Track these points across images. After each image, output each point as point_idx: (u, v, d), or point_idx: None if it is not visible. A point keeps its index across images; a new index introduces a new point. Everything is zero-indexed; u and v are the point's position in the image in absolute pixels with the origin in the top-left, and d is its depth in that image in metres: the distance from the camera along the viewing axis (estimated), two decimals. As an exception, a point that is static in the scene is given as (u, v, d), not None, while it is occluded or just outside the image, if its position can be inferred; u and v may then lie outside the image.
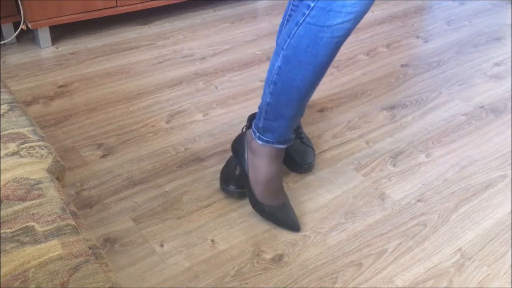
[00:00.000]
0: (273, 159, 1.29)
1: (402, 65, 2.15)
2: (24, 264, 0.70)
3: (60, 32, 2.27)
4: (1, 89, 1.05)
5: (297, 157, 1.52)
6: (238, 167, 1.39)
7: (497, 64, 2.18)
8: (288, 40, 1.10)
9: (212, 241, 1.31)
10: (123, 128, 1.69)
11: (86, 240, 0.76)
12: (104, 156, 1.57)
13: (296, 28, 1.08)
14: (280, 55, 1.13)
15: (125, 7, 2.22)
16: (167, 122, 1.73)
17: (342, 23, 1.03)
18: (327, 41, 1.06)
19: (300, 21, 1.07)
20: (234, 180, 1.40)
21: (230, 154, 1.56)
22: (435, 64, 2.17)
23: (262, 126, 1.26)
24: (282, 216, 1.33)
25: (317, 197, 1.45)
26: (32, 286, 0.66)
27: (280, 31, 1.50)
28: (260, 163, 1.30)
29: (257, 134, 1.27)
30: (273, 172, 1.30)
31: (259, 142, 1.28)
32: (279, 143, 1.27)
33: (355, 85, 1.99)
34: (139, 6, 2.26)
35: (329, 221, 1.38)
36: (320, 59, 1.09)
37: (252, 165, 1.31)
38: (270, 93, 1.19)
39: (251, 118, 1.48)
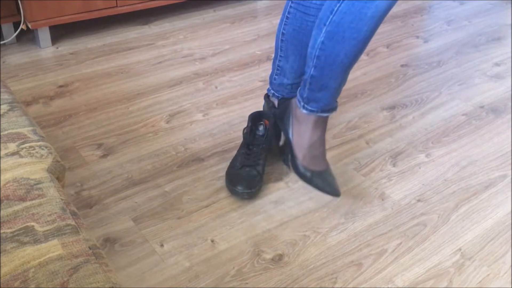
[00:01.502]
0: (317, 126, 1.32)
1: (402, 65, 2.15)
2: (24, 264, 0.70)
3: (60, 32, 2.27)
4: (1, 89, 1.05)
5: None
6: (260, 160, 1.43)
7: (497, 64, 2.18)
8: (331, 16, 1.12)
9: (212, 241, 1.31)
10: (123, 128, 1.69)
11: (86, 240, 0.76)
12: (104, 156, 1.57)
13: (338, 5, 1.10)
14: (323, 31, 1.14)
15: (125, 7, 2.22)
16: (167, 122, 1.73)
17: None
18: (371, 16, 1.08)
19: None
20: (242, 181, 1.41)
21: (230, 154, 1.56)
22: (435, 64, 2.17)
23: (306, 96, 1.27)
24: (322, 181, 1.34)
25: (317, 197, 1.45)
26: (32, 286, 0.66)
27: (279, 30, 1.50)
28: (304, 129, 1.32)
29: (302, 103, 1.29)
30: (316, 137, 1.32)
31: (304, 111, 1.29)
32: (323, 112, 1.29)
33: (355, 85, 1.99)
34: (139, 6, 2.26)
35: (329, 221, 1.38)
36: (363, 34, 1.11)
37: (297, 131, 1.33)
38: (313, 66, 1.21)
39: (252, 117, 1.48)
